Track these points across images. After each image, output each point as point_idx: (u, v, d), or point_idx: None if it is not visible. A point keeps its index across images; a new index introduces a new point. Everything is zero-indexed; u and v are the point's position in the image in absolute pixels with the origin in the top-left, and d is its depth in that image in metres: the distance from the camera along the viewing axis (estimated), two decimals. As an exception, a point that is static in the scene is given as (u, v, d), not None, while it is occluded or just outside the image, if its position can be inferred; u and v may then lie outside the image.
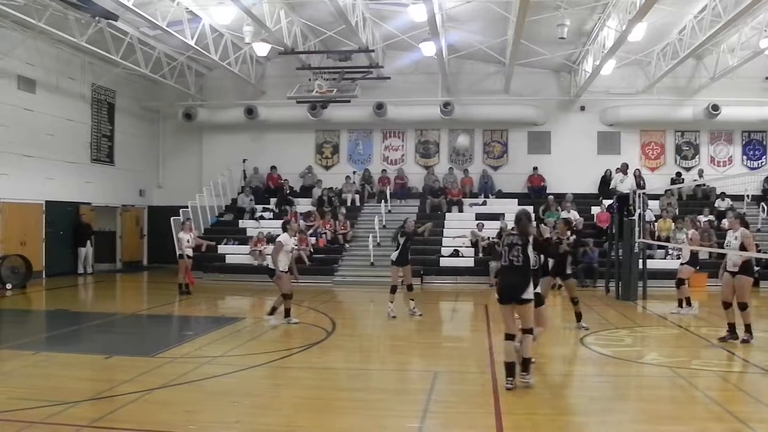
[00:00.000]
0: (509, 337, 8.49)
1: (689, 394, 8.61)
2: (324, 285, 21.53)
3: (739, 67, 23.28)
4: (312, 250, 23.47)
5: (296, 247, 22.20)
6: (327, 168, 28.69)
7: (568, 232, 9.86)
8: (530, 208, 23.61)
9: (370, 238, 23.23)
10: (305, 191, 27.72)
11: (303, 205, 26.62)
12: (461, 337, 13.43)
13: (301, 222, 24.47)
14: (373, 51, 22.62)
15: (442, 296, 19.85)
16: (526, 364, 8.46)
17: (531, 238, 8.54)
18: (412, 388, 9.00)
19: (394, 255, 14.84)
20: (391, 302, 14.77)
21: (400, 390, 8.93)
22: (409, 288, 15.10)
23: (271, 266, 13.47)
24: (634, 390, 9.27)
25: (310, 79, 23.17)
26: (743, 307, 11.43)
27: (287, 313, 13.53)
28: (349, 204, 26.67)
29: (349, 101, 23.81)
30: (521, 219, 8.67)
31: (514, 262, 8.46)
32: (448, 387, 8.23)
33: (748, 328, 11.44)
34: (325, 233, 24.41)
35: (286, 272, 13.58)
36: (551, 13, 19.71)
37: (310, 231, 24.30)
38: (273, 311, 13.44)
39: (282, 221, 19.78)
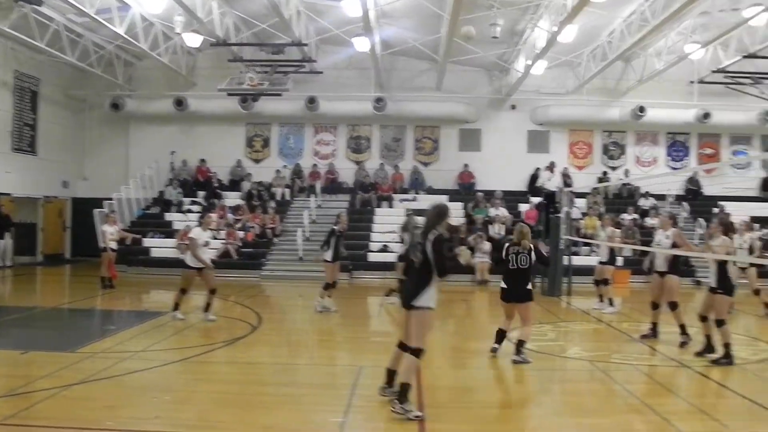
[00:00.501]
0: (400, 344, 7.63)
1: (609, 388, 8.80)
2: (251, 279, 21.38)
3: (665, 71, 24.01)
4: (240, 244, 23.24)
5: (225, 240, 22.23)
6: (257, 161, 28.39)
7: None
8: (459, 205, 24.32)
9: (299, 232, 23.12)
10: (234, 185, 27.41)
11: (232, 198, 26.34)
12: (388, 332, 13.41)
13: (230, 216, 24.23)
14: (306, 45, 22.47)
15: (370, 291, 19.84)
16: (402, 390, 7.10)
17: (432, 236, 7.28)
18: (337, 382, 8.96)
19: (329, 254, 14.76)
20: (321, 298, 14.70)
21: (325, 384, 8.87)
22: (333, 285, 15.04)
23: (192, 264, 13.15)
24: (556, 384, 9.45)
25: (241, 72, 22.96)
26: (674, 306, 11.46)
27: (207, 308, 13.26)
28: (278, 198, 26.51)
29: (280, 95, 23.69)
30: (429, 213, 7.54)
31: (414, 264, 7.39)
32: (373, 381, 8.19)
33: (683, 329, 11.29)
34: (254, 227, 24.18)
35: (208, 267, 13.32)
36: (484, 12, 19.89)
37: (239, 225, 24.05)
38: (176, 307, 13.13)
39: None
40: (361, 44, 21.69)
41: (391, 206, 26.18)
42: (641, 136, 28.26)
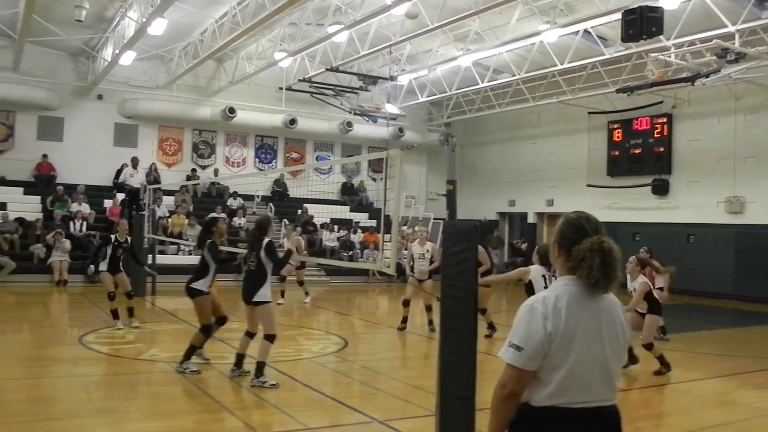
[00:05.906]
0: (247, 333, 9.04)
1: (186, 388, 8.63)
2: None
3: (256, 75, 24.75)
4: None
5: None
6: None
7: None
8: (37, 199, 22.39)
9: None
10: None
11: None
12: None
13: None
14: None
15: None
16: (259, 367, 8.58)
17: (264, 243, 8.78)
18: None
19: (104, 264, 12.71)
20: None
21: None
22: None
23: None
24: (131, 388, 8.94)
25: None
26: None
27: None
28: None
29: None
30: (255, 226, 9.21)
31: (251, 267, 8.84)
32: None
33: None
34: None
35: None
36: (70, -9, 18.49)
37: None
38: None
39: None
40: None
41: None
42: (231, 136, 28.68)
